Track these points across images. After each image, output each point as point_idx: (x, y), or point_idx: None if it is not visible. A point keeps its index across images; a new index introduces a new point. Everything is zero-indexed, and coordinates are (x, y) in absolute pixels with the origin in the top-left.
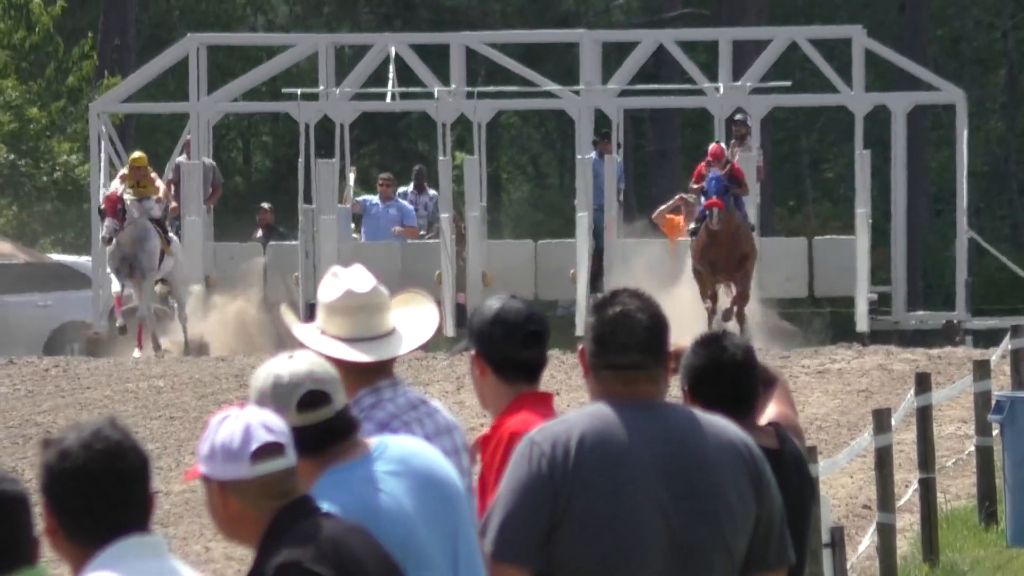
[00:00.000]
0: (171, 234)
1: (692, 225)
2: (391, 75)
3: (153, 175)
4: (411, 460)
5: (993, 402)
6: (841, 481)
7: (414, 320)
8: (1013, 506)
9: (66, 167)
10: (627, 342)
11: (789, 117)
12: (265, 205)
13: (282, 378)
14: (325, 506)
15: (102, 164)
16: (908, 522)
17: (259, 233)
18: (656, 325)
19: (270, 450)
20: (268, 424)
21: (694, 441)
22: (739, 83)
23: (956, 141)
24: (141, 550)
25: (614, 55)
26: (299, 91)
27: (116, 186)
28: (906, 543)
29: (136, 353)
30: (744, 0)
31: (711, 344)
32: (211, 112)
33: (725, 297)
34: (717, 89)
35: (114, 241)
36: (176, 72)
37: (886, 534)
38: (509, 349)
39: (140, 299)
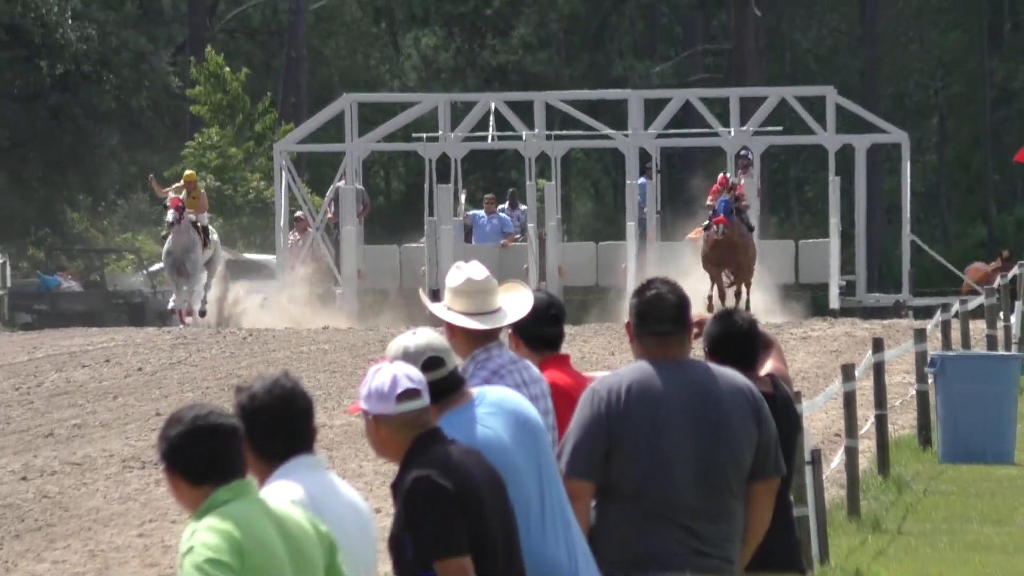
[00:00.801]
0: (212, 236)
1: (705, 223)
2: (491, 123)
3: (201, 188)
4: (503, 404)
5: (928, 359)
6: (819, 416)
7: (515, 301)
8: (943, 434)
9: (256, 191)
10: (661, 316)
11: (781, 152)
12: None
13: (409, 348)
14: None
15: (283, 188)
16: (867, 446)
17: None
18: (681, 303)
19: (410, 394)
20: (410, 375)
21: (711, 387)
22: (744, 128)
23: (901, 170)
24: (308, 466)
25: (653, 108)
26: (424, 135)
27: (173, 194)
28: (866, 461)
29: (181, 326)
30: (747, 67)
31: (725, 318)
32: (361, 150)
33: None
34: (729, 132)
35: (171, 245)
36: (336, 121)
37: (851, 455)
38: (534, 327)
39: (184, 291)
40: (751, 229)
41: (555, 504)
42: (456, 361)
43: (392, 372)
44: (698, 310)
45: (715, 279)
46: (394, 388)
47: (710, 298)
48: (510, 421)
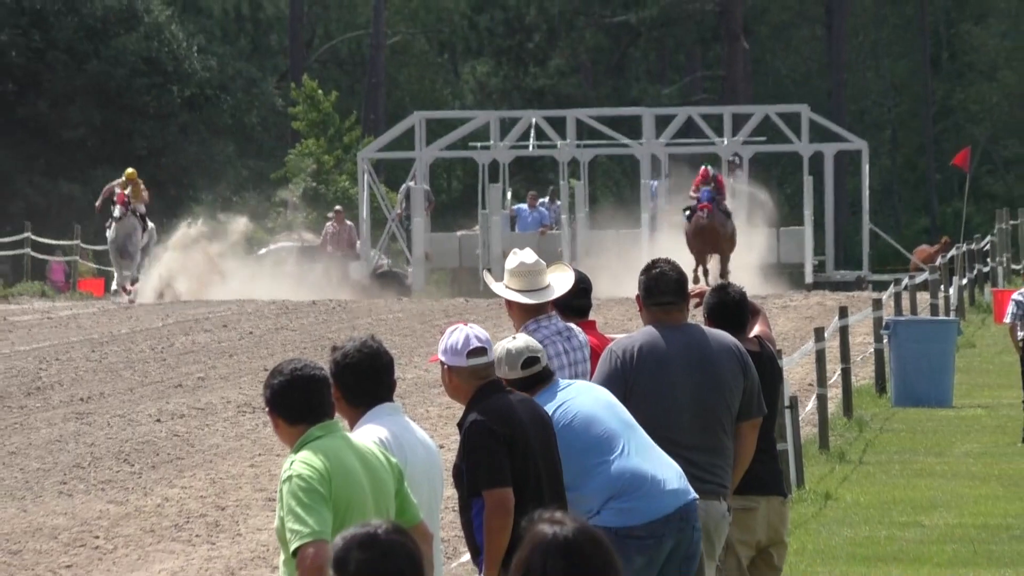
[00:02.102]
0: (148, 222)
1: (687, 213)
2: (532, 134)
3: (140, 184)
4: (585, 387)
5: (883, 323)
6: (796, 370)
7: (560, 280)
8: (895, 384)
9: (343, 190)
10: (664, 289)
11: (764, 158)
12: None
13: (511, 350)
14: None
15: (364, 188)
16: (834, 393)
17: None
18: (681, 278)
19: (477, 351)
20: (479, 335)
21: (706, 345)
22: (735, 138)
23: (861, 172)
24: (389, 411)
25: (662, 122)
26: (478, 144)
27: (117, 189)
28: (833, 405)
29: (123, 298)
30: (737, 89)
31: (720, 291)
32: (428, 157)
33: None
34: (723, 141)
35: (114, 234)
36: (407, 133)
37: (822, 400)
38: (568, 299)
39: (125, 270)
40: (728, 215)
41: (638, 438)
42: (546, 358)
43: (465, 332)
44: (699, 285)
45: (699, 259)
46: (466, 345)
47: (695, 272)
48: (588, 394)
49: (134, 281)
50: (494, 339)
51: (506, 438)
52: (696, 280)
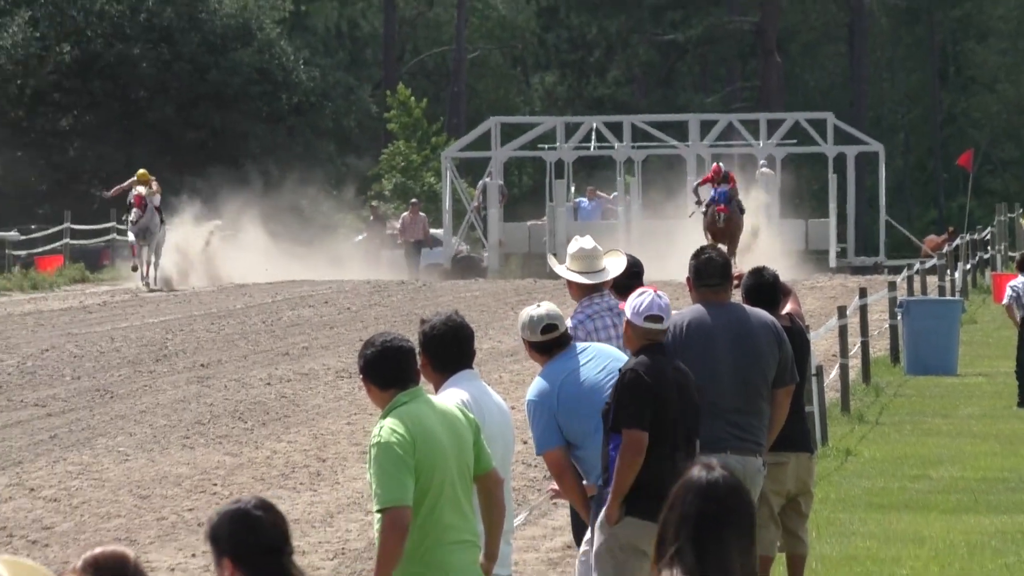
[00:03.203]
0: (162, 216)
1: (703, 209)
2: (593, 137)
3: (153, 181)
4: (597, 349)
5: (898, 302)
6: (821, 343)
7: (615, 263)
8: (907, 355)
9: (429, 185)
10: (712, 272)
11: (795, 158)
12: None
13: (533, 316)
14: (553, 376)
15: (447, 184)
16: (855, 363)
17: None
18: (726, 263)
19: (654, 318)
20: (661, 305)
21: (746, 322)
22: (770, 140)
23: (878, 171)
24: (469, 377)
25: (706, 127)
26: (546, 146)
27: (134, 189)
28: (854, 373)
29: (140, 277)
30: (771, 98)
31: (757, 274)
32: (503, 156)
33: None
34: (759, 144)
35: (135, 222)
36: (484, 136)
37: (844, 369)
38: (622, 280)
39: (145, 252)
40: (743, 211)
41: None
42: (566, 324)
43: (651, 299)
44: (739, 268)
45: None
46: (647, 310)
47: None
48: (599, 360)
49: (154, 267)
50: (564, 314)
51: (652, 390)
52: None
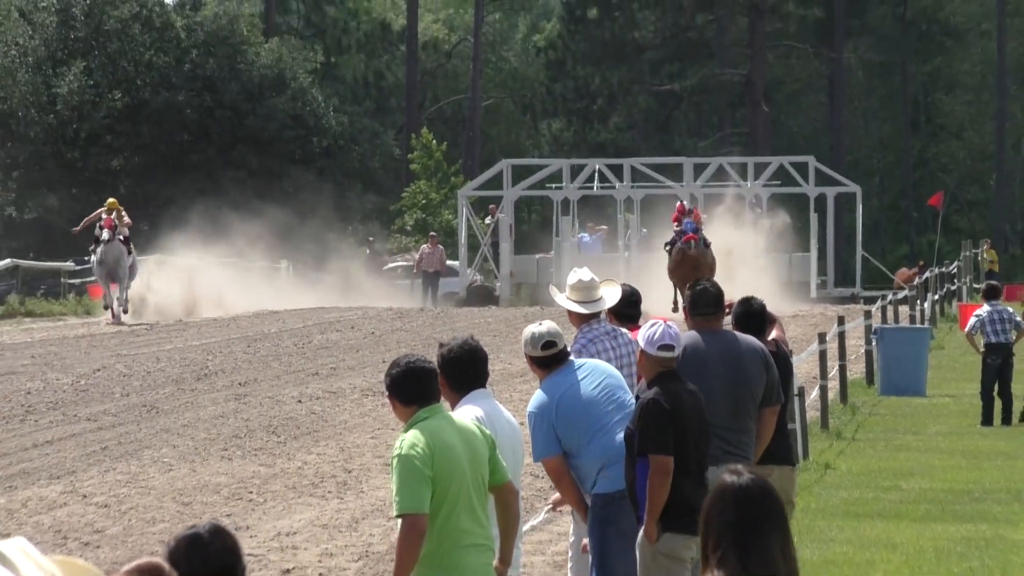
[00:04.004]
0: (131, 247)
1: (667, 247)
2: (596, 178)
3: (123, 211)
4: (593, 365)
5: (873, 329)
6: (803, 366)
7: (611, 293)
8: (881, 377)
9: (447, 221)
10: (707, 302)
11: (779, 197)
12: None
13: (535, 334)
14: (552, 389)
15: (463, 220)
16: (833, 384)
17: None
18: (719, 294)
19: (666, 347)
20: (672, 335)
21: (737, 348)
22: (757, 181)
23: (856, 209)
24: (483, 396)
25: (699, 169)
26: (553, 185)
27: (103, 215)
28: (832, 394)
29: (109, 316)
30: (759, 143)
31: (745, 303)
32: (513, 195)
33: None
34: (747, 184)
35: (101, 257)
36: (497, 176)
37: (823, 390)
38: (622, 308)
39: (112, 291)
40: (707, 245)
41: (627, 418)
42: (565, 341)
43: (662, 329)
44: (729, 298)
45: (681, 286)
46: (660, 340)
47: (674, 300)
48: (597, 378)
49: (125, 311)
50: (566, 339)
51: (672, 415)
52: (675, 310)
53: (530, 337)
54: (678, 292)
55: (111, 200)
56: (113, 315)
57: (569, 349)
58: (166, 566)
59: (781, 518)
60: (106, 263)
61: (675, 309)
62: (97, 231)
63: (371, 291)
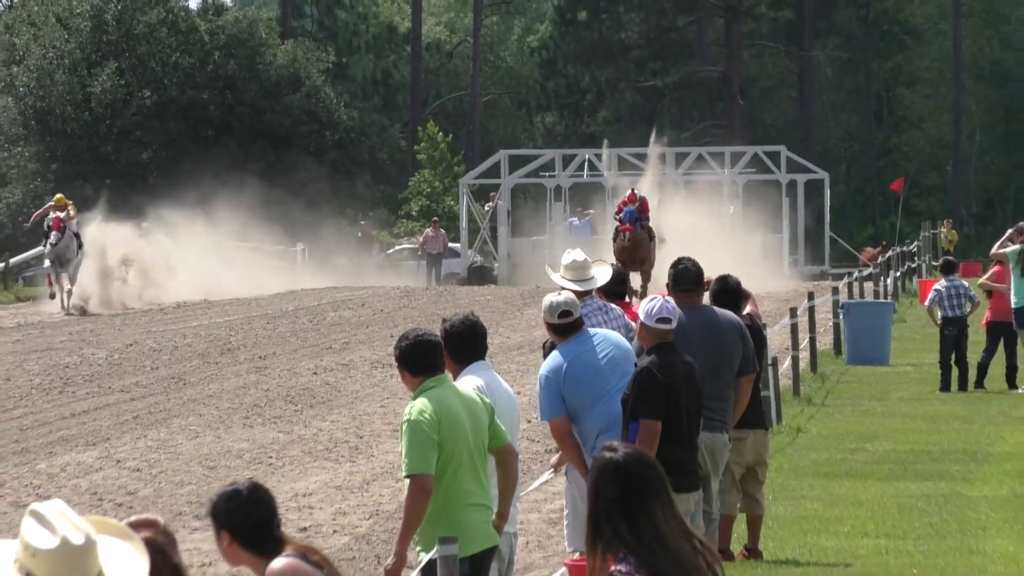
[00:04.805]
0: (81, 240)
1: (613, 235)
2: (585, 167)
3: (70, 206)
4: (605, 336)
5: (840, 304)
6: (776, 338)
7: (602, 272)
8: (848, 348)
9: (450, 207)
10: (687, 279)
11: (754, 184)
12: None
13: (553, 303)
14: (563, 355)
15: (464, 206)
16: (804, 355)
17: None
18: (699, 271)
19: (663, 320)
20: (670, 308)
21: (715, 322)
22: (733, 169)
23: (824, 194)
24: (483, 367)
25: (680, 158)
26: (547, 174)
27: (52, 214)
28: (803, 363)
29: (56, 299)
30: (735, 134)
31: (722, 280)
32: (510, 183)
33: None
34: (724, 172)
35: (53, 246)
36: (495, 166)
37: (795, 360)
38: (611, 287)
39: (61, 278)
40: (652, 237)
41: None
42: (579, 311)
43: (661, 303)
44: (707, 276)
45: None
46: (658, 314)
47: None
48: (607, 346)
49: (70, 293)
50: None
51: (665, 384)
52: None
53: (549, 306)
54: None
55: (58, 196)
56: (63, 306)
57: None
58: (161, 520)
59: (662, 487)
60: (57, 249)
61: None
62: (46, 229)
63: (378, 272)
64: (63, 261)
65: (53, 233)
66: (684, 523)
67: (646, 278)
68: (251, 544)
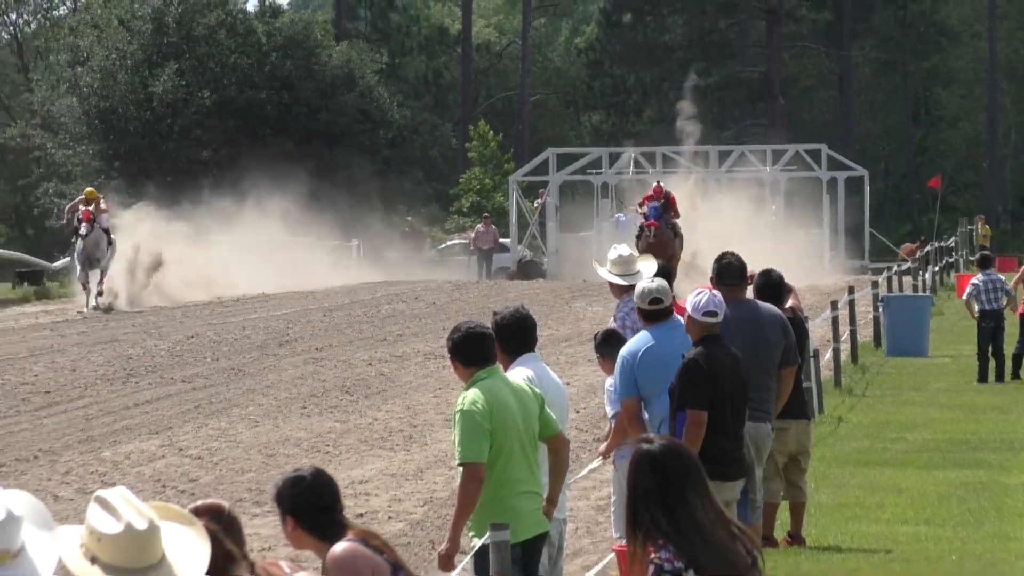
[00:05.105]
0: (112, 235)
1: (638, 231)
2: (631, 164)
3: (101, 200)
4: (682, 329)
5: (880, 297)
6: (817, 331)
7: (647, 267)
8: (887, 340)
9: (499, 204)
10: (731, 274)
11: (795, 182)
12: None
13: (645, 289)
14: (643, 340)
15: (514, 202)
16: (845, 347)
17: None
18: (743, 266)
19: (710, 314)
20: (716, 302)
21: (758, 315)
22: (775, 167)
23: (864, 192)
24: (533, 359)
25: (723, 156)
26: (593, 171)
27: (81, 207)
28: (844, 355)
29: (91, 301)
30: (776, 133)
31: (766, 274)
32: (558, 180)
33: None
34: (767, 169)
35: (82, 244)
36: (544, 164)
37: (836, 352)
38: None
39: (93, 277)
40: (677, 235)
41: None
42: (671, 298)
43: (708, 297)
44: (751, 270)
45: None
46: (705, 307)
47: None
48: (677, 339)
49: (100, 294)
50: (606, 309)
51: (711, 376)
52: None
53: (641, 291)
54: None
55: (89, 190)
56: (94, 302)
57: (612, 319)
58: (227, 505)
59: (699, 477)
60: (86, 248)
61: None
62: (76, 223)
63: (429, 266)
64: (92, 260)
65: (83, 225)
66: (722, 511)
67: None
68: (314, 529)
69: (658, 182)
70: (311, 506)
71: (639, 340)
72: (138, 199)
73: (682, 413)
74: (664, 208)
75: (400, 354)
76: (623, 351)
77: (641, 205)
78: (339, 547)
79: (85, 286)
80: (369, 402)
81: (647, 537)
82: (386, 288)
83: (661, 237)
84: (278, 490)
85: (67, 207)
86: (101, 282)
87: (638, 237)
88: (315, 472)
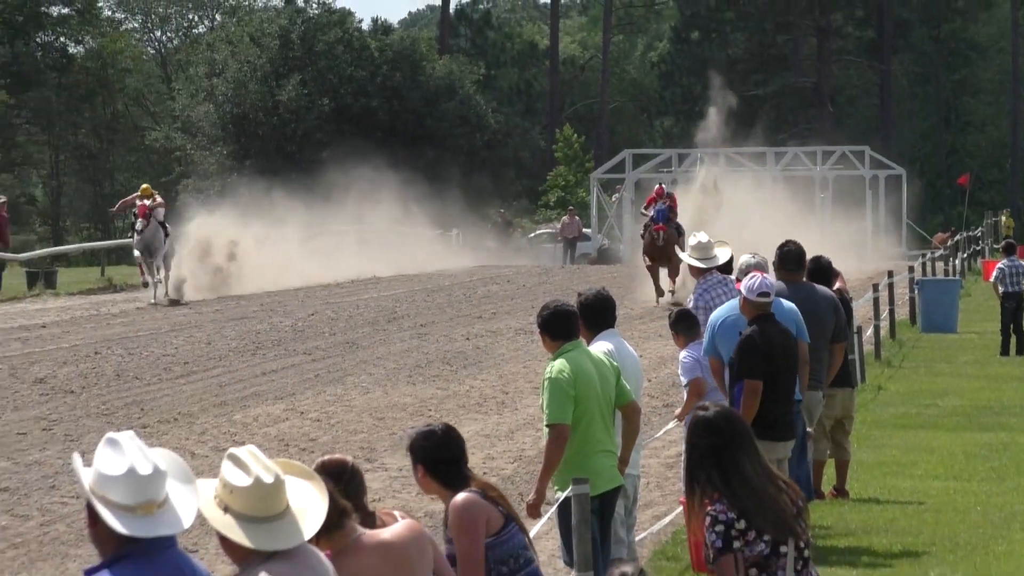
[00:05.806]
0: (168, 227)
1: (642, 232)
2: (698, 163)
3: (156, 195)
4: (784, 313)
5: (915, 281)
6: (860, 310)
7: (723, 252)
8: (922, 319)
9: (582, 199)
10: (791, 259)
11: (841, 179)
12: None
13: (743, 262)
14: (727, 311)
15: (594, 197)
16: (884, 324)
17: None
18: (801, 252)
19: (763, 294)
20: (768, 283)
21: (813, 296)
22: (824, 166)
23: (902, 188)
24: (612, 334)
25: (777, 156)
26: (665, 170)
27: (138, 202)
28: (884, 331)
29: (148, 289)
30: (825, 135)
31: (816, 260)
32: (633, 177)
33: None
34: (817, 168)
35: (139, 238)
36: (621, 163)
37: (877, 329)
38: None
39: (150, 267)
40: (681, 234)
41: None
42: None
43: (761, 279)
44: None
45: (653, 275)
46: (759, 288)
47: (659, 289)
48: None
49: (160, 282)
50: (683, 291)
51: (764, 350)
52: (661, 293)
53: (742, 264)
54: (656, 280)
55: (145, 186)
56: (155, 296)
57: (691, 298)
58: (350, 460)
59: (747, 440)
60: (144, 240)
61: (660, 294)
62: (133, 218)
63: (519, 254)
64: (151, 250)
65: (139, 221)
66: (769, 468)
67: (675, 272)
68: (441, 478)
69: (660, 184)
70: (439, 458)
71: (724, 308)
72: (266, 195)
73: (740, 383)
74: (669, 209)
75: (494, 330)
76: (712, 316)
77: (647, 207)
78: (460, 496)
79: (146, 274)
80: (467, 372)
81: (704, 493)
82: (482, 272)
83: (668, 238)
84: (412, 441)
85: (121, 202)
86: (164, 273)
87: (642, 236)
88: (445, 428)
